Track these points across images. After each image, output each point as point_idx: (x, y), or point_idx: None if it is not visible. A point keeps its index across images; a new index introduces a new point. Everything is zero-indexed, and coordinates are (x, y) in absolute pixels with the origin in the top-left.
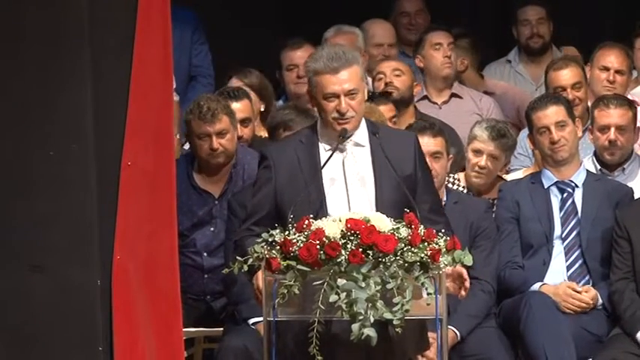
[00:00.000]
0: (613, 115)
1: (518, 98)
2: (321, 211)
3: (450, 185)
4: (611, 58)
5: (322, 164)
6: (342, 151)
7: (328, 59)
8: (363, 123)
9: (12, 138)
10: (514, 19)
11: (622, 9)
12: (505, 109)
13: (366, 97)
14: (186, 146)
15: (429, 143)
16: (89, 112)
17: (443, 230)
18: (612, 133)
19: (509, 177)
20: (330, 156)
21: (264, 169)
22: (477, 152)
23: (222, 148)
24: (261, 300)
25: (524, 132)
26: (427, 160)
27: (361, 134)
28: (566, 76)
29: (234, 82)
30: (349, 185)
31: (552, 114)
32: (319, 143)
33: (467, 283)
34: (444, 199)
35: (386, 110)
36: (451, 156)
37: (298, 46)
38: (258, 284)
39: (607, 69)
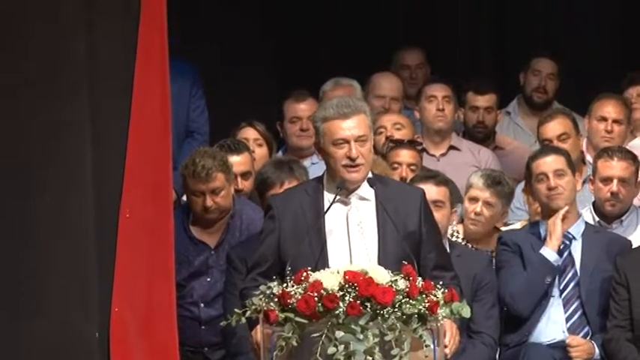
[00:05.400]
0: (616, 167)
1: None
2: (322, 264)
3: (449, 237)
4: (608, 109)
5: (323, 215)
6: (346, 204)
7: (338, 106)
8: (369, 176)
9: (11, 184)
10: (525, 67)
11: (619, 61)
12: (513, 166)
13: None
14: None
15: (430, 191)
16: (88, 161)
17: (448, 283)
18: (615, 185)
19: (506, 229)
20: (329, 207)
21: (269, 220)
22: (473, 200)
23: (216, 205)
24: (259, 354)
25: (521, 185)
26: None
27: (366, 187)
28: (553, 128)
29: (248, 131)
30: (352, 239)
31: (551, 161)
32: (324, 195)
33: (450, 341)
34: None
35: (409, 157)
36: (454, 209)
37: (303, 98)
38: (257, 339)
39: (605, 119)
